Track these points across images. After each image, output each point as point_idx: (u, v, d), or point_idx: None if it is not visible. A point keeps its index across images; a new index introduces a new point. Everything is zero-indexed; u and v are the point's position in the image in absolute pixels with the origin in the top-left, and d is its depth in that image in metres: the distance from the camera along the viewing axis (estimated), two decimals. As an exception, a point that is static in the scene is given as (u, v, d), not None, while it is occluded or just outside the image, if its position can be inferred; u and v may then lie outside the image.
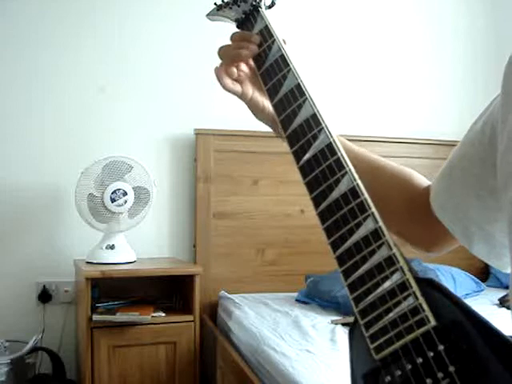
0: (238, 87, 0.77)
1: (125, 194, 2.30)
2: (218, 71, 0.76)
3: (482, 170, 0.62)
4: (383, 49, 3.01)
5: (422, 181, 0.77)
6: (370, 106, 2.97)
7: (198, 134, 2.63)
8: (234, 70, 0.76)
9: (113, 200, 2.29)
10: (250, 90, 0.78)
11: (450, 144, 2.95)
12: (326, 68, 2.85)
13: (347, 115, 2.86)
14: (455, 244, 0.74)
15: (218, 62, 0.77)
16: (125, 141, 2.60)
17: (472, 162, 0.65)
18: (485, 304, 2.37)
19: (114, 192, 2.29)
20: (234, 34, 0.78)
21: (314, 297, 2.45)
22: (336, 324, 2.09)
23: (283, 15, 2.80)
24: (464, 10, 3.17)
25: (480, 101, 3.14)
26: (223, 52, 0.77)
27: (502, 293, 2.51)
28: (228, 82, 0.76)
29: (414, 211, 0.75)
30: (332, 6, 2.93)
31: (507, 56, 0.59)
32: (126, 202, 2.30)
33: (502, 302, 2.38)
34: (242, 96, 0.78)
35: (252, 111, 0.80)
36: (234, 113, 2.70)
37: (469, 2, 3.18)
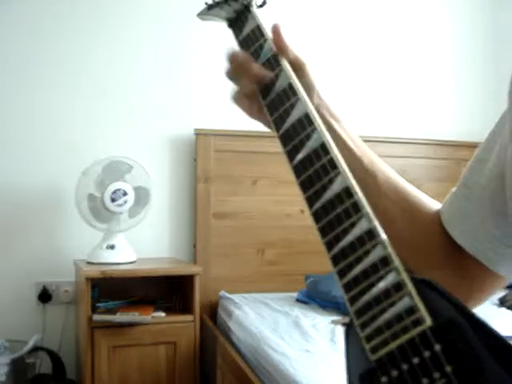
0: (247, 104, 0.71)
1: (125, 194, 2.30)
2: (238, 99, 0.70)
3: (501, 184, 0.60)
4: (383, 49, 3.01)
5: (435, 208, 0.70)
6: (370, 106, 2.97)
7: (198, 134, 2.63)
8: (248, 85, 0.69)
9: (113, 200, 2.29)
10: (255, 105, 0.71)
11: (450, 144, 2.98)
12: (326, 68, 2.84)
13: (347, 115, 2.85)
14: (493, 284, 0.68)
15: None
16: (125, 141, 2.61)
17: (490, 178, 0.62)
18: (485, 304, 2.36)
19: (114, 192, 2.29)
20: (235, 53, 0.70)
21: (314, 297, 2.45)
22: (336, 324, 2.09)
23: (285, 14, 2.80)
24: (463, 11, 3.17)
25: (480, 101, 3.15)
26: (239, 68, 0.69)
27: (502, 293, 2.51)
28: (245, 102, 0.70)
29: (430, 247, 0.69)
30: (332, 5, 2.93)
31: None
32: (126, 202, 2.30)
33: (502, 302, 2.37)
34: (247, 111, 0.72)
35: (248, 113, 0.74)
36: (234, 113, 2.70)
37: (468, 3, 3.17)
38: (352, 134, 0.71)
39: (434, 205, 0.72)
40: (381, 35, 3.01)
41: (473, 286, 0.69)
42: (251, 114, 0.72)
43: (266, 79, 0.66)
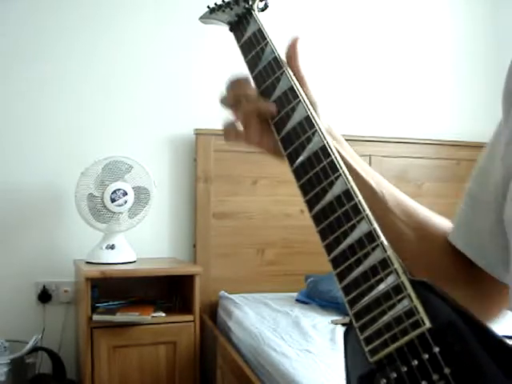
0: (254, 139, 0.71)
1: (125, 194, 2.30)
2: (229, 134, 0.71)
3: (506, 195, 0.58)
4: (383, 49, 3.01)
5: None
6: (371, 106, 2.97)
7: (198, 134, 2.63)
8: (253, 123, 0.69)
9: (113, 200, 2.29)
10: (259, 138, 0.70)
11: (450, 144, 2.98)
12: (326, 68, 2.85)
13: (347, 115, 2.85)
14: (502, 296, 0.66)
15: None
16: (125, 141, 2.61)
17: (494, 192, 0.61)
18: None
19: (114, 192, 2.29)
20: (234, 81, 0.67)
21: (314, 297, 2.45)
22: (336, 324, 2.09)
23: (286, 15, 2.80)
24: (464, 11, 3.17)
25: (480, 101, 3.15)
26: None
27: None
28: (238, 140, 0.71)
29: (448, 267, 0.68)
30: (332, 6, 2.93)
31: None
32: (126, 202, 2.31)
33: (502, 302, 2.37)
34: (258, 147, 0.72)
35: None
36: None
37: (469, 2, 3.17)
38: (354, 154, 0.69)
39: (442, 221, 0.71)
40: (381, 35, 3.01)
41: (484, 298, 0.68)
42: (250, 142, 0.72)
43: (273, 114, 0.65)
